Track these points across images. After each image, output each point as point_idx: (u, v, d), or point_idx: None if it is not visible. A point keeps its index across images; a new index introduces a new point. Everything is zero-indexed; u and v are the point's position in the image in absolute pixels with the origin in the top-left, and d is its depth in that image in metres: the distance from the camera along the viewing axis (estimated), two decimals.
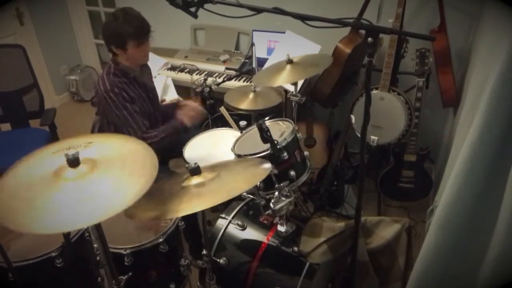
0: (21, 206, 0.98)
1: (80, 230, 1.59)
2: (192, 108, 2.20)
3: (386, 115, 2.44)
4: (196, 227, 2.14)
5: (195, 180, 1.28)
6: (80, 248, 1.60)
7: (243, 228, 1.77)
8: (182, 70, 3.05)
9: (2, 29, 3.51)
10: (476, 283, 1.12)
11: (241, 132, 1.89)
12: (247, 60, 2.97)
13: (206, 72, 3.00)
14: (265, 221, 1.79)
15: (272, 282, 1.65)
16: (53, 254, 1.49)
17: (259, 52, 2.77)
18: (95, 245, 1.54)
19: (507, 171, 0.95)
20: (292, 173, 1.61)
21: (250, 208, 1.88)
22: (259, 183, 1.61)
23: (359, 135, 1.43)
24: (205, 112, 2.14)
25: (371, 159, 2.72)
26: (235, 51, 3.17)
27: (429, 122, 2.83)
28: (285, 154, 1.57)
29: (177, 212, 1.19)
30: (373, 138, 2.02)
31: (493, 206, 1.02)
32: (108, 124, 2.10)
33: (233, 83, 2.82)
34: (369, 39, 1.25)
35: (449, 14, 2.41)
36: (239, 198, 1.94)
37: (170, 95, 2.87)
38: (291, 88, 2.12)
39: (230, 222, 1.79)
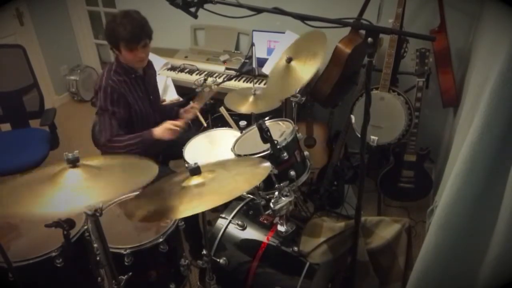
0: None
1: (80, 230, 1.59)
2: (172, 123, 2.06)
3: (386, 115, 2.44)
4: (196, 227, 2.14)
5: (195, 180, 1.28)
6: (80, 248, 1.60)
7: (243, 228, 1.77)
8: (182, 70, 3.05)
9: (2, 29, 3.51)
10: (476, 283, 1.12)
11: (241, 132, 1.89)
12: (247, 60, 2.97)
13: (206, 72, 3.00)
14: (265, 221, 1.79)
15: (272, 282, 1.65)
16: (53, 254, 1.48)
17: (259, 52, 2.77)
18: (95, 245, 1.54)
19: (507, 171, 0.95)
20: (292, 173, 1.61)
21: (250, 208, 1.88)
22: (259, 183, 1.61)
23: (359, 135, 1.43)
24: (184, 129, 2.06)
25: (371, 159, 2.72)
26: (235, 51, 3.17)
27: (429, 122, 2.83)
28: (285, 154, 1.57)
29: (178, 213, 1.19)
30: (373, 138, 2.02)
31: (493, 206, 1.02)
32: None
33: (233, 83, 2.82)
34: (369, 39, 1.25)
35: (449, 14, 2.41)
36: (239, 198, 1.94)
37: (170, 95, 2.87)
38: None
39: (230, 222, 1.79)
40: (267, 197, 1.65)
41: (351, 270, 1.73)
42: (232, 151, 1.71)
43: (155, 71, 2.31)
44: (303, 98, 2.11)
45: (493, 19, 1.74)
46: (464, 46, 2.55)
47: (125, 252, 1.56)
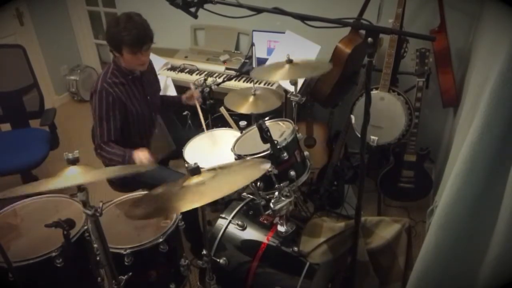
0: None
1: (80, 230, 1.60)
2: (147, 158, 2.01)
3: (386, 115, 2.44)
4: (196, 227, 2.14)
5: (195, 180, 1.28)
6: (80, 248, 1.60)
7: (243, 228, 1.77)
8: (182, 70, 3.05)
9: (2, 29, 3.51)
10: (476, 283, 1.12)
11: (241, 132, 1.89)
12: (247, 60, 2.97)
13: (206, 72, 3.00)
14: (265, 221, 1.79)
15: (272, 282, 1.65)
16: (53, 254, 1.49)
17: (259, 52, 2.77)
18: (95, 245, 1.54)
19: (507, 171, 0.95)
20: (292, 173, 1.61)
21: (250, 208, 1.88)
22: (259, 183, 1.61)
23: (359, 135, 1.43)
24: (154, 163, 2.02)
25: (371, 159, 2.72)
26: (235, 51, 3.17)
27: (429, 122, 2.83)
28: (285, 154, 1.57)
29: (176, 208, 1.19)
30: (373, 138, 2.02)
31: (493, 206, 1.02)
32: None
33: (233, 83, 2.82)
34: (369, 39, 1.25)
35: (449, 14, 2.41)
36: (239, 198, 1.95)
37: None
38: (291, 88, 2.11)
39: (230, 222, 1.79)
40: (267, 197, 1.64)
41: (351, 270, 1.73)
42: (232, 151, 1.71)
43: (155, 73, 2.30)
44: (303, 98, 2.11)
45: (493, 19, 1.74)
46: (464, 46, 2.55)
47: (125, 252, 1.56)
